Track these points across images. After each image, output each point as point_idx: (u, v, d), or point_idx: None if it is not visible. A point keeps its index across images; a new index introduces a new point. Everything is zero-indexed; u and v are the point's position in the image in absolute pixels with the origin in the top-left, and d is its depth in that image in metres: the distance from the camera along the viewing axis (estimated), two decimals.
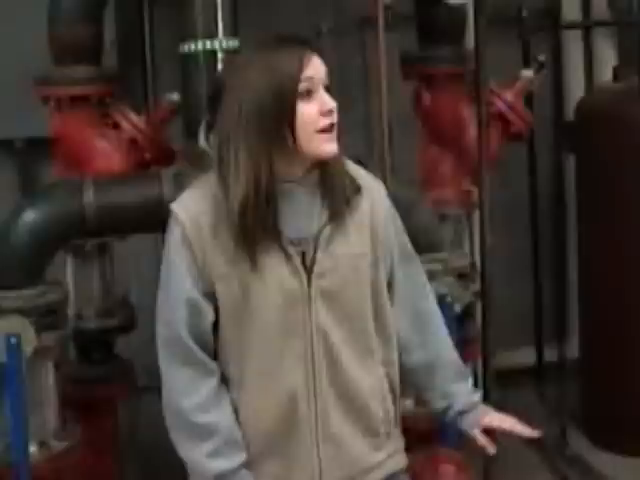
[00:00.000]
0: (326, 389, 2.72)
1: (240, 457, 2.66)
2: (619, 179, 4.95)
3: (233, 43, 3.81)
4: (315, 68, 2.59)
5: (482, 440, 2.93)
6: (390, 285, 2.85)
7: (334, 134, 2.61)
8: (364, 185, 2.74)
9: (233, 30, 3.82)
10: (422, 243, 3.94)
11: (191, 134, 3.80)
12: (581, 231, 5.44)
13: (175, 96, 4.04)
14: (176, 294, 2.65)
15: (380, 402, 2.82)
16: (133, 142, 4.08)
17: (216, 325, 2.67)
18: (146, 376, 5.31)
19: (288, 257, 2.64)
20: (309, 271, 2.67)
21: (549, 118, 6.00)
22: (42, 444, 3.73)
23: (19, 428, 3.57)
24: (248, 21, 4.04)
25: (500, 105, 4.47)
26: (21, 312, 3.59)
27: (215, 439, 2.65)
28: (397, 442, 2.89)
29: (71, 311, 4.09)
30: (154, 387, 5.66)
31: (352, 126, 4.43)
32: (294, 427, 2.71)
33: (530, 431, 2.94)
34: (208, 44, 3.77)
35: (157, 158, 4.08)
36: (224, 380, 2.70)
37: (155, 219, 3.74)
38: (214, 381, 2.67)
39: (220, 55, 3.77)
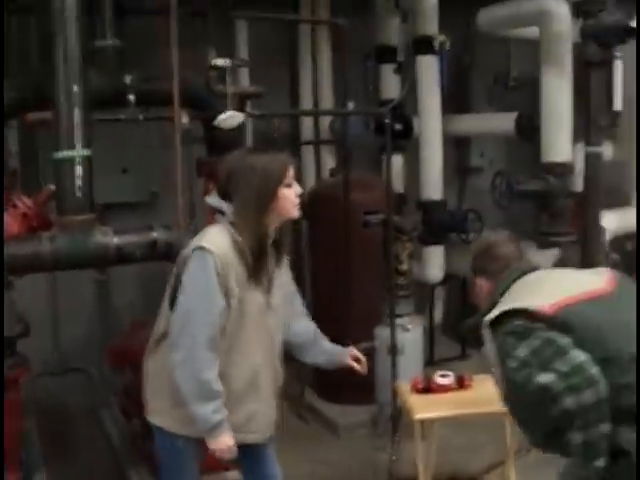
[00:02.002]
0: (270, 366, 2.82)
1: (225, 412, 2.69)
2: (331, 233, 5.14)
3: (86, 152, 3.62)
4: (290, 170, 2.74)
5: (356, 365, 3.03)
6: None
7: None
8: None
9: (87, 144, 3.62)
10: None
11: (62, 210, 3.74)
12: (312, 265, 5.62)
13: (52, 186, 3.84)
14: (216, 304, 2.63)
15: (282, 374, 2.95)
16: (25, 216, 3.89)
17: None
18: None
19: (263, 284, 2.75)
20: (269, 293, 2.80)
21: None
22: None
23: None
24: (100, 139, 3.90)
25: None
26: None
27: (217, 400, 2.65)
28: None
29: None
30: (44, 373, 5.47)
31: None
32: (256, 388, 2.79)
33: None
34: (70, 153, 3.59)
35: (41, 226, 3.89)
36: None
37: (37, 265, 3.69)
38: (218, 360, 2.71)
39: (78, 160, 3.56)
